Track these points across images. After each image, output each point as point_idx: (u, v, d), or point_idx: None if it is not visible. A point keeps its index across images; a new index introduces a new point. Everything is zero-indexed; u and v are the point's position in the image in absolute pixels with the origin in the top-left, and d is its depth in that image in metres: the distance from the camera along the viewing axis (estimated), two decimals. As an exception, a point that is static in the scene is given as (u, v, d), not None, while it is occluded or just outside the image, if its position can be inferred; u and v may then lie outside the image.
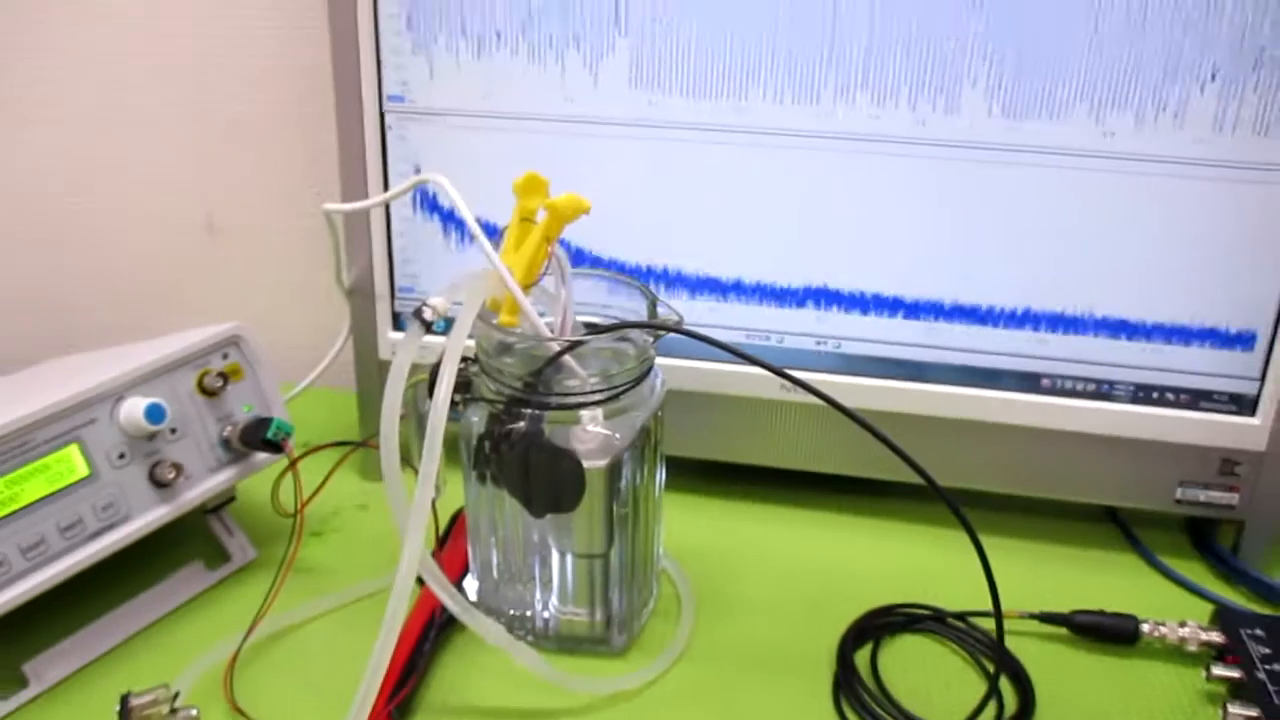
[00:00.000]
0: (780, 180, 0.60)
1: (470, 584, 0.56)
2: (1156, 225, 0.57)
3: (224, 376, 0.56)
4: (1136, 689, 0.53)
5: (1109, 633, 0.55)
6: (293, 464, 0.55)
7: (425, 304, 0.48)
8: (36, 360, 0.71)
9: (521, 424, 0.49)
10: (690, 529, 0.64)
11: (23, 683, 0.51)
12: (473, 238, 0.49)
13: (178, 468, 0.54)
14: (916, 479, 0.48)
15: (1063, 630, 0.56)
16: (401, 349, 0.47)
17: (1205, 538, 0.64)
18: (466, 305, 0.48)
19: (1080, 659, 0.55)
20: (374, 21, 0.60)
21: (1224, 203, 0.56)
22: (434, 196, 0.64)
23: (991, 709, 0.51)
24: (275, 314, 0.84)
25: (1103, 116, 0.56)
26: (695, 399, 0.64)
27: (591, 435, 0.50)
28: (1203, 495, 0.61)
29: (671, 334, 0.50)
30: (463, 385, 0.50)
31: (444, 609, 0.49)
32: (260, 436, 0.56)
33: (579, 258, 0.63)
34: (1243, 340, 0.59)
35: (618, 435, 0.50)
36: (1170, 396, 0.60)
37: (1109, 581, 0.61)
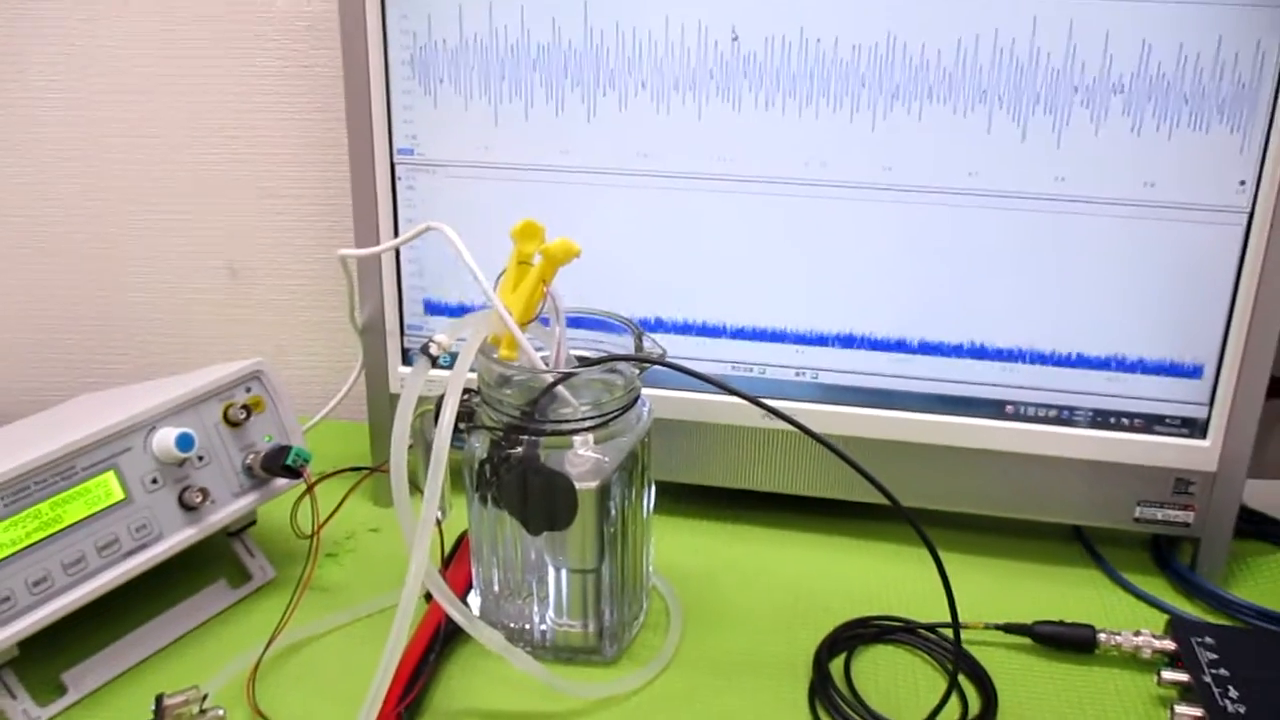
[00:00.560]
0: (762, 226, 0.65)
1: (474, 599, 0.60)
2: (1107, 263, 0.62)
3: (247, 409, 0.61)
4: (1093, 693, 0.57)
5: (1068, 641, 0.59)
6: (310, 488, 0.60)
7: (432, 340, 0.53)
8: (75, 394, 0.77)
9: (519, 449, 0.54)
10: (679, 548, 0.68)
11: (62, 690, 0.55)
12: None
13: (205, 492, 0.59)
14: (883, 500, 0.52)
15: (1026, 640, 0.60)
16: (410, 381, 0.52)
17: (1165, 555, 0.68)
18: (468, 342, 0.52)
19: (1041, 666, 0.59)
20: (385, 81, 0.66)
21: (1170, 242, 0.61)
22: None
23: (956, 708, 0.55)
24: (294, 351, 0.90)
25: (1054, 163, 0.61)
26: (684, 427, 0.68)
27: (583, 459, 0.54)
28: (1160, 514, 0.65)
29: (658, 366, 0.55)
30: (466, 414, 0.55)
31: (449, 620, 0.53)
32: (280, 463, 0.60)
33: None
34: (1191, 369, 0.63)
35: (607, 458, 0.54)
36: (1126, 421, 0.65)
37: (1073, 596, 0.65)
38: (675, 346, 0.68)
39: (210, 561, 0.64)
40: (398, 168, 0.68)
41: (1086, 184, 0.61)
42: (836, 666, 0.58)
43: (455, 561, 0.63)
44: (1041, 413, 0.65)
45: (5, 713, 0.53)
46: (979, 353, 0.65)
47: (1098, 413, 0.65)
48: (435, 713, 0.55)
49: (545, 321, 0.57)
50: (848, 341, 0.66)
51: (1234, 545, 0.68)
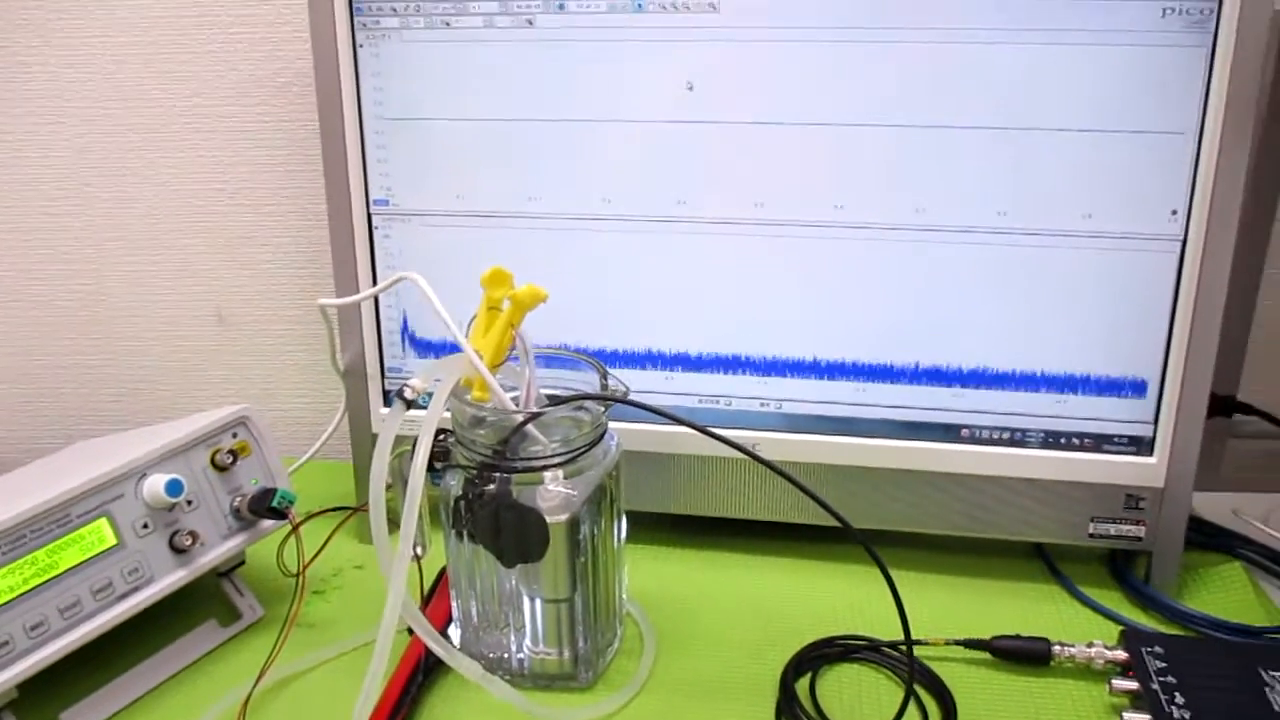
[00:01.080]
0: (721, 264, 0.68)
1: (454, 632, 0.63)
2: (1051, 291, 0.65)
3: (234, 454, 0.64)
4: (1049, 703, 0.59)
5: (1024, 654, 0.62)
6: (295, 529, 0.62)
7: (406, 384, 0.56)
8: (72, 440, 0.79)
9: (492, 486, 0.57)
10: (653, 576, 0.71)
11: (61, 730, 0.58)
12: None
13: (194, 535, 0.61)
14: (849, 524, 0.55)
15: (985, 655, 0.62)
16: (386, 423, 0.54)
17: (1122, 569, 0.71)
18: (441, 385, 0.55)
19: (1000, 679, 0.61)
20: (360, 137, 0.69)
21: (1109, 270, 0.64)
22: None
23: (917, 724, 0.57)
24: (281, 393, 0.93)
25: (997, 199, 0.64)
26: (655, 459, 0.71)
27: (553, 494, 0.57)
28: (1112, 529, 0.68)
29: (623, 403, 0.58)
30: (442, 454, 0.58)
31: (430, 653, 0.56)
32: (266, 505, 0.63)
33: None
34: (1136, 388, 0.66)
35: (576, 492, 0.57)
36: (1076, 441, 0.68)
37: (1034, 611, 0.68)
38: (644, 381, 0.71)
39: (201, 602, 0.67)
40: (374, 218, 0.71)
41: (1027, 218, 0.64)
42: (802, 686, 0.60)
43: (436, 596, 0.65)
44: (995, 435, 0.68)
45: (6, 753, 0.56)
46: (933, 378, 0.68)
47: (1049, 434, 0.68)
48: (418, 741, 0.57)
49: (516, 360, 0.60)
50: (809, 371, 0.69)
51: (1189, 556, 0.71)
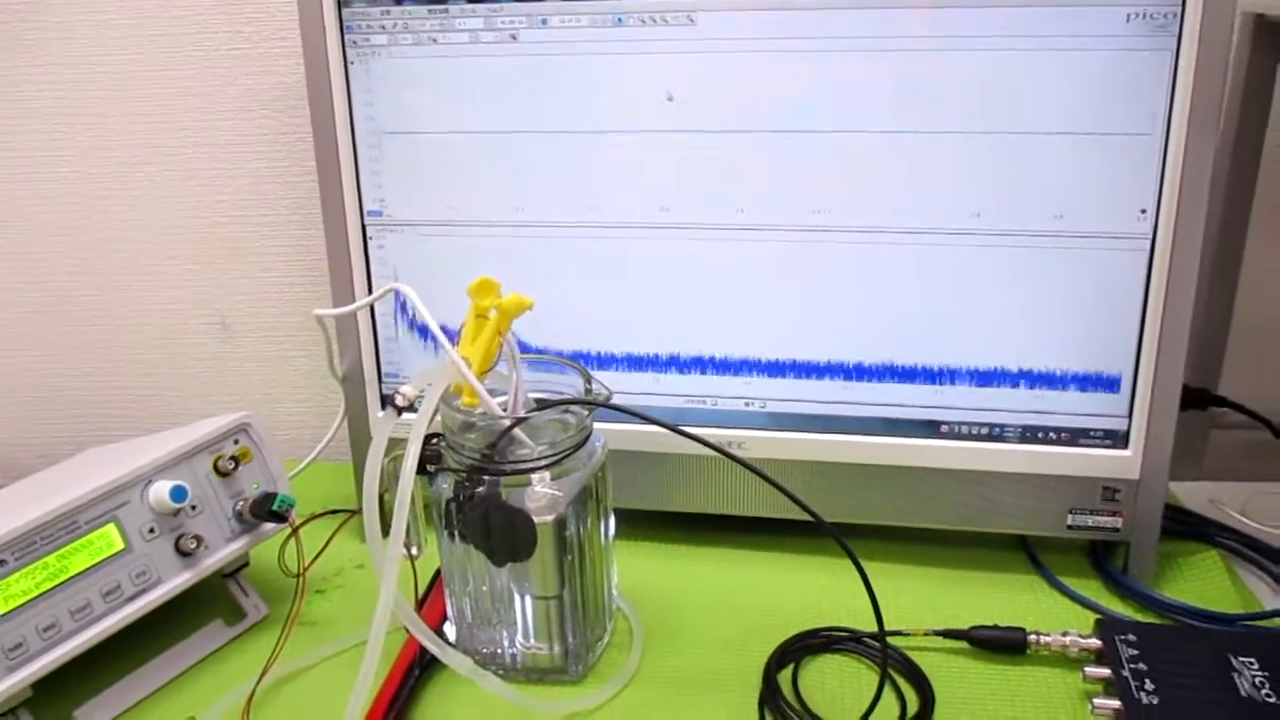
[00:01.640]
0: (705, 268, 0.70)
1: (449, 629, 0.65)
2: (1026, 290, 0.66)
3: (235, 459, 0.66)
4: (1024, 691, 0.61)
5: (1001, 644, 0.63)
6: (294, 531, 0.65)
7: (398, 392, 0.58)
8: (83, 446, 0.82)
9: (482, 488, 0.59)
10: (643, 572, 0.73)
11: (74, 726, 0.61)
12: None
13: (199, 539, 0.64)
14: (834, 518, 0.57)
15: (963, 644, 0.64)
16: (378, 430, 0.57)
17: (1101, 559, 0.73)
18: (430, 392, 0.57)
19: (977, 668, 0.63)
20: (353, 149, 0.71)
21: (1082, 268, 0.65)
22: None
23: (896, 710, 0.59)
24: (284, 397, 0.96)
25: (970, 200, 0.66)
26: (643, 458, 0.73)
27: (540, 495, 0.59)
28: (1090, 520, 0.70)
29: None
30: (434, 457, 0.60)
31: (426, 650, 0.58)
32: (267, 509, 0.65)
33: (530, 348, 0.74)
34: (1110, 384, 0.68)
35: (562, 493, 0.59)
36: (1053, 435, 0.69)
37: (1015, 601, 0.70)
38: (634, 382, 0.73)
39: (206, 602, 0.69)
40: (369, 229, 0.73)
41: (1001, 219, 0.65)
42: (785, 677, 0.62)
43: (432, 594, 0.68)
44: (974, 431, 0.70)
45: (22, 749, 0.58)
46: (913, 376, 0.70)
47: (1026, 429, 0.69)
48: (415, 733, 0.60)
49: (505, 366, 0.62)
50: (792, 371, 0.71)
51: (1169, 545, 0.73)
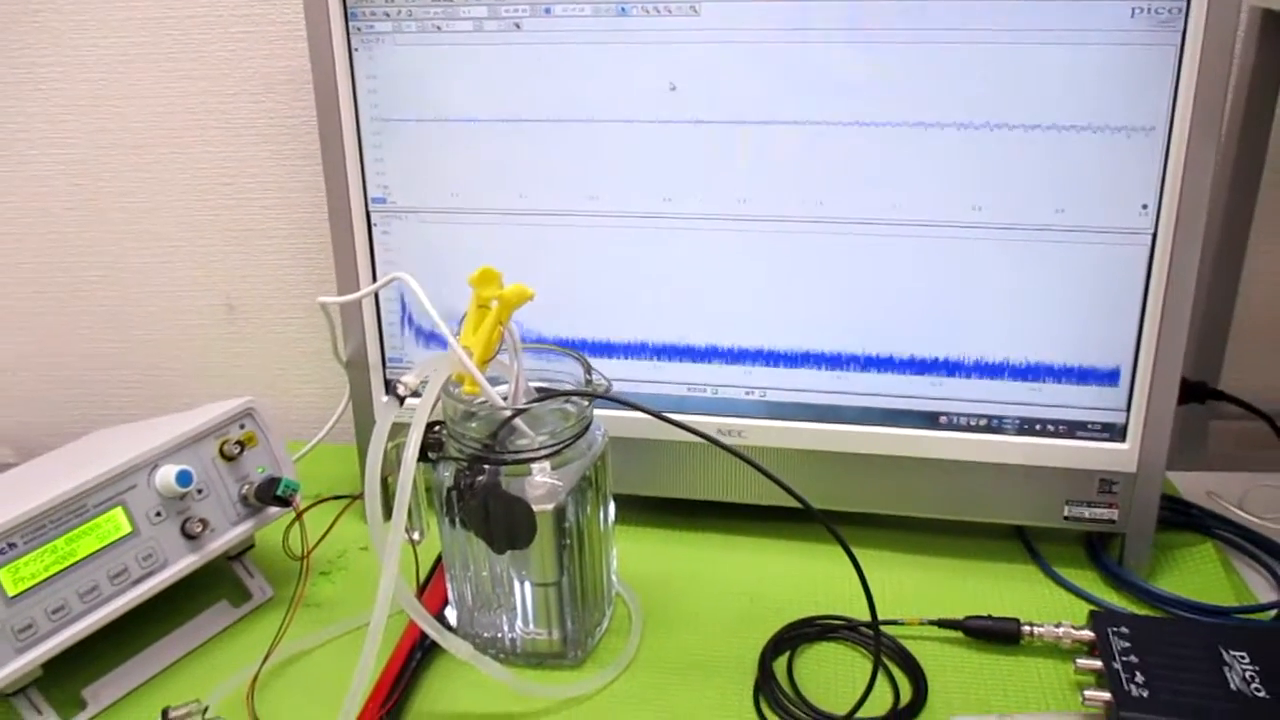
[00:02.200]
0: (706, 258, 0.70)
1: (450, 614, 0.66)
2: (1026, 283, 0.67)
3: (241, 444, 0.67)
4: (1017, 681, 0.62)
5: (995, 634, 0.64)
6: (299, 515, 0.66)
7: (399, 381, 0.59)
8: (93, 427, 0.83)
9: (482, 477, 0.60)
10: (643, 557, 0.74)
11: (82, 705, 0.62)
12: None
13: (204, 522, 0.65)
14: (833, 507, 0.57)
15: (957, 634, 0.65)
16: (380, 418, 0.57)
17: (1097, 550, 0.73)
18: (432, 380, 0.58)
19: (971, 657, 0.64)
20: (357, 135, 0.72)
21: (1082, 262, 0.65)
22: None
23: (889, 698, 0.60)
24: (291, 380, 0.96)
25: (972, 193, 0.66)
26: (644, 445, 0.74)
27: (540, 484, 0.60)
28: (1087, 512, 0.70)
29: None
30: (436, 445, 0.61)
31: (426, 634, 0.59)
32: (272, 494, 0.66)
33: (534, 336, 0.74)
34: (1109, 377, 0.68)
35: (561, 483, 0.60)
36: (1051, 428, 0.70)
37: (1011, 591, 0.70)
38: (635, 370, 0.74)
39: (212, 584, 0.70)
40: (373, 215, 0.74)
41: (1002, 213, 0.66)
42: (780, 664, 0.63)
43: (433, 581, 0.68)
44: (972, 422, 0.70)
45: (32, 727, 0.60)
46: (912, 367, 0.70)
47: (1024, 420, 0.70)
48: (416, 715, 0.61)
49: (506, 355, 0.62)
50: (792, 360, 0.72)
51: (1166, 536, 0.73)
